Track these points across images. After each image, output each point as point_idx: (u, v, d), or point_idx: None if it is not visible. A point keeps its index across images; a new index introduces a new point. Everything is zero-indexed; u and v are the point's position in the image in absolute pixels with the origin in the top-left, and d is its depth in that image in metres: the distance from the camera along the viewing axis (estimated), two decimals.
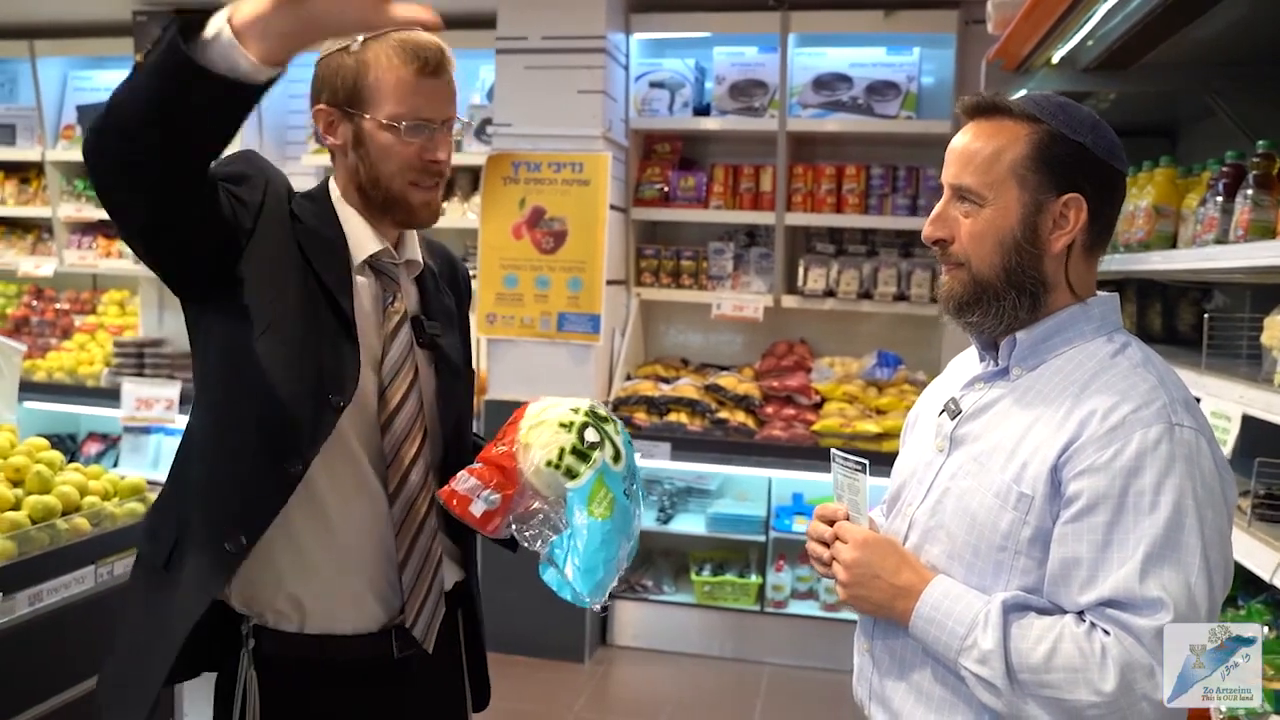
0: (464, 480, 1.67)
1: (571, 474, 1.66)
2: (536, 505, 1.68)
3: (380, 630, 1.70)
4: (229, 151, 1.56)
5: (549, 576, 1.65)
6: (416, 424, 1.71)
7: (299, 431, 1.59)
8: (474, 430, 1.98)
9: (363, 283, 1.71)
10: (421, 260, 1.80)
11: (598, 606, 1.64)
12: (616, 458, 1.71)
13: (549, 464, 1.66)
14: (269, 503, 1.59)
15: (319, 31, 1.32)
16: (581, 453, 1.67)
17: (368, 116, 1.63)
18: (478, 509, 1.65)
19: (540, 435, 1.68)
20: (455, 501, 1.66)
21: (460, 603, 1.86)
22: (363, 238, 1.70)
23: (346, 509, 1.67)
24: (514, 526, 1.68)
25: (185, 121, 1.33)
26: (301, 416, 1.59)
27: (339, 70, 1.64)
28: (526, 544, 1.69)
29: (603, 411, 1.75)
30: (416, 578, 1.70)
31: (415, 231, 1.79)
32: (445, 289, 1.88)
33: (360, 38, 1.61)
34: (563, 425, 1.69)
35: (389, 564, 1.70)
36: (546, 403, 1.75)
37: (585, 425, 1.69)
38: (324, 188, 1.75)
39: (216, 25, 1.29)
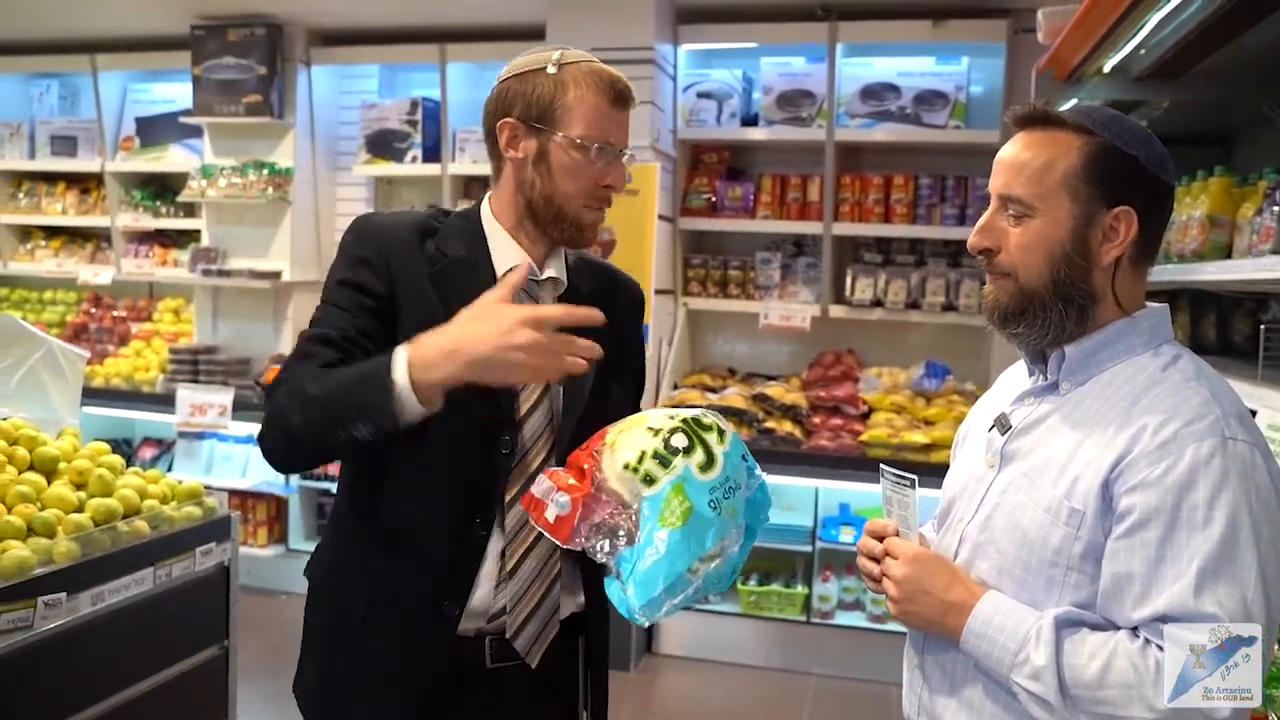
0: (541, 483, 1.58)
1: (650, 479, 1.52)
2: (616, 515, 1.55)
3: (476, 635, 1.72)
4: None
5: (612, 590, 1.53)
6: (540, 442, 1.72)
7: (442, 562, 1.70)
8: None
9: None
10: (565, 280, 1.80)
11: (646, 623, 1.52)
12: (707, 466, 1.55)
13: (627, 466, 1.54)
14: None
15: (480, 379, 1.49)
16: (663, 457, 1.53)
17: (559, 134, 1.68)
18: (550, 514, 1.54)
19: (627, 438, 1.57)
20: (533, 506, 1.57)
21: (581, 631, 1.84)
22: (505, 253, 1.74)
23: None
24: (585, 537, 1.54)
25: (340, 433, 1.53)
26: (443, 546, 1.69)
27: (535, 87, 1.70)
28: (593, 555, 1.55)
29: (708, 420, 1.62)
30: (523, 593, 1.71)
31: (564, 251, 1.81)
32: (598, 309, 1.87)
33: (556, 62, 1.72)
34: (651, 429, 1.57)
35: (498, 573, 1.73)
36: (652, 410, 1.66)
37: (676, 430, 1.57)
38: (477, 207, 1.80)
39: (399, 372, 1.47)
